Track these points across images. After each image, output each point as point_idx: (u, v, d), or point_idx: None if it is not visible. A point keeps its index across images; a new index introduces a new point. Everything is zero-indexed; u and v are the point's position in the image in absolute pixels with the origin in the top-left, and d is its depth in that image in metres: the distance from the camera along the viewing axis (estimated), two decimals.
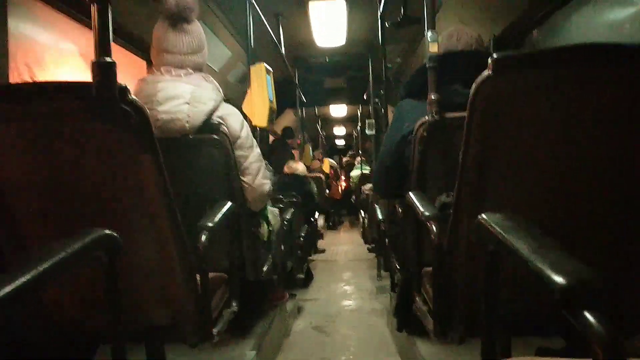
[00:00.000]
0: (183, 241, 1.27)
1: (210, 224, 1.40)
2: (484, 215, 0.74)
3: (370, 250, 5.75)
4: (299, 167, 4.91)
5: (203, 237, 1.37)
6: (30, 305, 1.20)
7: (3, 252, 1.17)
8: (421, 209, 1.32)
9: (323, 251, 6.18)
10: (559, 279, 0.52)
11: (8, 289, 0.56)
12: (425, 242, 1.53)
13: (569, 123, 0.99)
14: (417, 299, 1.57)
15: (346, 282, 4.58)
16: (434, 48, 1.69)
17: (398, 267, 2.14)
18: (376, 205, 3.01)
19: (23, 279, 0.58)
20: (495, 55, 0.98)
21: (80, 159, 1.14)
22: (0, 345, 1.14)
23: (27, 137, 1.13)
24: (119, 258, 0.86)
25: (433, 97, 1.62)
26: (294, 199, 4.08)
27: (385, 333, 2.97)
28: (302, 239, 3.98)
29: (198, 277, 1.37)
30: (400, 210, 2.00)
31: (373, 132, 4.70)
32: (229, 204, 1.60)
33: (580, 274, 0.52)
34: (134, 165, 1.14)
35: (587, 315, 0.50)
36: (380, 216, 2.74)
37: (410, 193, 1.46)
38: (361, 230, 7.18)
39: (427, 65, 1.67)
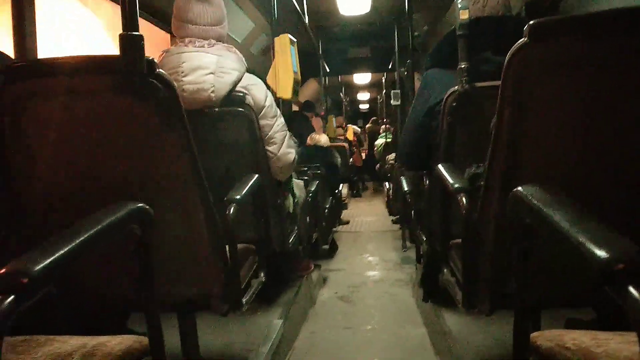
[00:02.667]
0: (212, 213, 1.29)
1: (237, 197, 1.42)
2: (520, 188, 0.72)
3: (394, 222, 5.74)
4: (322, 139, 4.88)
5: (231, 210, 1.38)
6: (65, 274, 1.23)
7: (36, 226, 1.21)
8: (451, 181, 1.30)
9: (347, 222, 6.20)
10: (601, 253, 0.51)
11: (47, 260, 0.58)
12: (453, 214, 1.52)
13: (609, 93, 0.95)
14: (444, 270, 1.56)
15: (370, 253, 4.60)
16: (464, 15, 1.63)
17: (424, 239, 2.13)
18: (402, 177, 2.99)
19: (61, 251, 0.60)
20: (532, 22, 0.94)
21: (109, 133, 1.15)
22: (35, 313, 1.18)
23: (56, 111, 1.15)
24: (152, 230, 0.87)
25: (463, 66, 1.58)
26: (319, 171, 4.08)
27: (410, 303, 2.98)
28: (326, 210, 4.00)
29: (227, 248, 1.39)
30: (426, 181, 1.98)
31: (398, 102, 4.63)
32: (256, 176, 1.60)
33: (624, 248, 0.51)
34: (162, 139, 1.15)
35: (631, 289, 0.48)
36: (406, 188, 2.72)
37: (439, 165, 1.44)
38: (385, 200, 7.16)
39: (457, 33, 1.62)
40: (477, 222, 1.21)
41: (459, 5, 1.64)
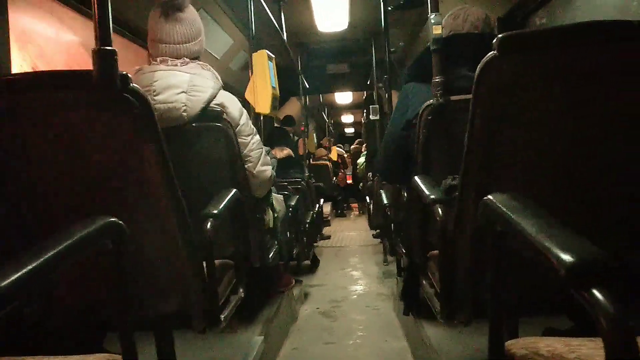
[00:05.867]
0: (188, 229, 1.27)
1: (215, 212, 1.41)
2: (490, 196, 0.73)
3: (375, 236, 5.75)
4: (282, 153, 4.83)
5: (208, 225, 1.37)
6: (37, 292, 1.21)
7: (10, 240, 1.18)
8: (426, 192, 1.31)
9: (328, 237, 6.20)
10: (566, 257, 0.52)
11: (12, 277, 0.56)
12: (430, 225, 1.53)
13: (576, 104, 0.97)
14: (424, 282, 1.57)
15: (353, 268, 4.60)
16: (437, 30, 1.67)
17: (404, 251, 2.14)
18: (381, 191, 3.01)
19: (29, 267, 0.59)
20: (500, 35, 0.97)
21: (83, 149, 1.14)
22: (8, 332, 1.15)
23: (30, 127, 1.13)
24: (125, 246, 0.86)
25: (437, 80, 1.61)
26: (299, 186, 4.08)
27: (391, 317, 2.98)
28: (307, 225, 3.99)
29: (205, 264, 1.37)
30: (405, 194, 2.00)
31: (377, 117, 4.68)
32: (234, 191, 1.60)
33: (587, 252, 0.52)
34: (137, 154, 1.14)
35: (595, 292, 0.49)
36: (385, 201, 2.74)
37: (416, 177, 1.45)
38: (367, 216, 7.19)
39: (431, 48, 1.65)
40: (453, 232, 1.22)
41: (432, 21, 1.67)
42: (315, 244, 5.11)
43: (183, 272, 1.31)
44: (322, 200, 5.45)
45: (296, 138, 6.70)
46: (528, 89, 1.00)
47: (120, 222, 0.83)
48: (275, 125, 5.54)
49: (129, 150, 1.14)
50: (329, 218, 7.67)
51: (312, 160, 7.35)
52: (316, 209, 4.88)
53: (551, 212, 0.67)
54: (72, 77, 1.07)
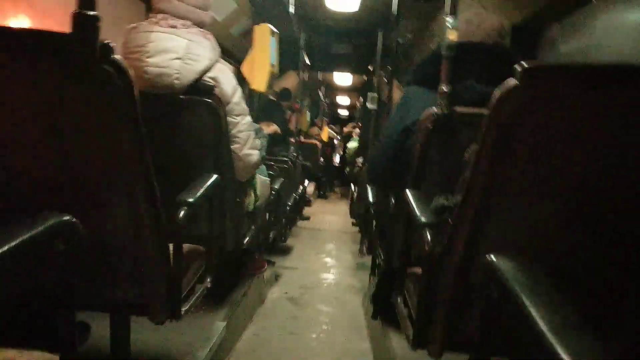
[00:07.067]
0: (158, 215, 1.18)
1: (190, 200, 1.31)
2: (494, 258, 0.65)
3: (354, 224, 5.72)
4: (270, 129, 4.74)
5: (181, 214, 1.27)
6: None
7: None
8: (417, 213, 1.23)
9: (308, 218, 6.13)
10: None
11: None
12: (414, 240, 1.46)
13: (598, 147, 0.89)
14: (398, 298, 1.51)
15: (327, 254, 4.55)
16: (452, 36, 1.56)
17: (382, 256, 2.07)
18: (368, 186, 2.92)
19: None
20: (525, 64, 0.88)
21: (51, 120, 1.03)
22: None
23: None
24: (79, 245, 0.76)
25: (445, 89, 1.51)
26: (285, 165, 3.98)
27: (359, 314, 2.94)
28: (288, 207, 3.91)
29: (172, 252, 1.29)
30: (393, 200, 1.92)
31: (375, 106, 4.55)
32: (214, 177, 1.50)
33: None
34: (111, 132, 1.04)
35: None
36: (371, 199, 2.65)
37: (408, 192, 1.37)
38: (349, 202, 7.14)
39: (442, 53, 1.55)
40: (439, 259, 1.15)
41: (449, 24, 1.57)
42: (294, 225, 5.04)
43: (148, 260, 1.22)
44: (306, 181, 5.36)
45: (289, 112, 6.54)
46: (547, 125, 0.91)
47: (75, 220, 0.74)
48: (271, 98, 5.39)
49: (102, 127, 1.03)
50: (311, 198, 7.61)
51: (303, 138, 7.22)
52: (300, 190, 4.79)
53: (556, 260, 0.60)
54: (44, 38, 0.95)
